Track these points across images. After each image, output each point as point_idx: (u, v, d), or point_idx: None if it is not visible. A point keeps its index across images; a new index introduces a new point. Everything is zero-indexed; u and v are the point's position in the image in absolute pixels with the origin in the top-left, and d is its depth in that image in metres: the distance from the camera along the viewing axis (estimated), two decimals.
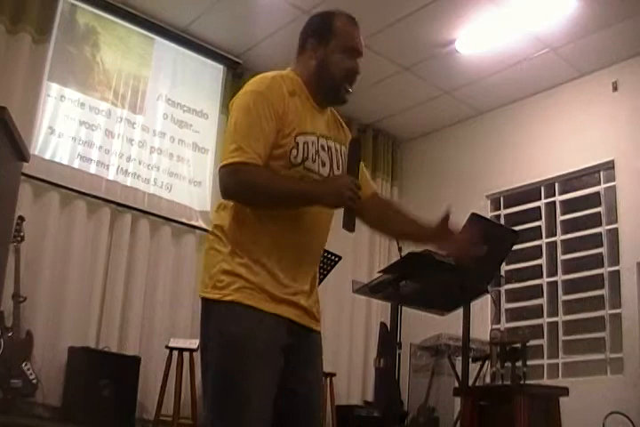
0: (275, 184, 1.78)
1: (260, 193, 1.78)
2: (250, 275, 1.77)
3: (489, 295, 4.15)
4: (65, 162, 4.93)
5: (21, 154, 2.79)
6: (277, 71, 1.94)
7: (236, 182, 1.76)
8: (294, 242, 1.85)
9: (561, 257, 5.53)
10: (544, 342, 5.39)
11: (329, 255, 4.60)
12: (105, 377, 4.39)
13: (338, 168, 1.92)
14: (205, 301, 1.81)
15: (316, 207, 1.84)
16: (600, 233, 5.32)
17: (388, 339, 5.08)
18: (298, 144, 1.84)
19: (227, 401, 1.70)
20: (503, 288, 5.73)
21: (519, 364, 3.64)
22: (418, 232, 2.05)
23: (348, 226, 1.85)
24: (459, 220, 3.52)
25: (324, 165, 1.89)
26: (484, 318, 5.45)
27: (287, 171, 1.83)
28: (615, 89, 5.44)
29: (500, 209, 6.16)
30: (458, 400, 4.56)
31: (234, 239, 1.81)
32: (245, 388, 1.70)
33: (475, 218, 3.55)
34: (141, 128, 5.40)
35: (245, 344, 1.72)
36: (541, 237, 5.68)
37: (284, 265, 1.81)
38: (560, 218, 5.64)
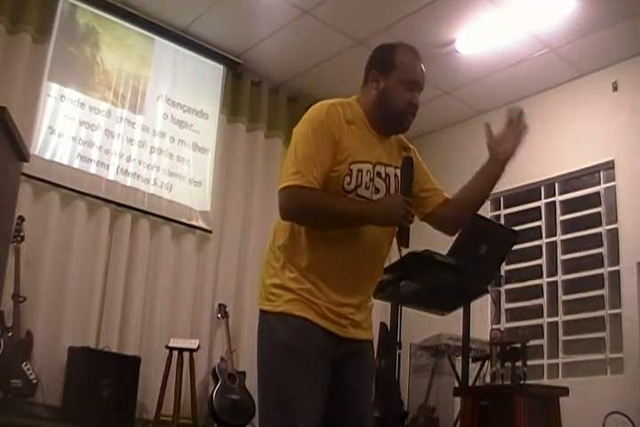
0: (330, 205, 1.88)
1: (317, 213, 1.89)
2: (300, 288, 1.88)
3: (489, 295, 4.15)
4: (65, 162, 4.93)
5: (21, 154, 2.79)
6: (340, 99, 2.03)
7: (294, 204, 1.87)
8: (344, 265, 1.92)
9: (561, 257, 5.53)
10: (544, 342, 5.39)
11: None
12: (105, 377, 4.39)
13: (396, 192, 2.00)
14: (261, 312, 1.94)
15: (372, 230, 1.93)
16: (600, 233, 5.32)
17: (388, 339, 5.07)
18: (352, 171, 1.92)
19: (274, 402, 1.82)
20: (503, 288, 5.73)
21: (519, 364, 3.64)
22: (483, 175, 2.26)
23: (403, 243, 1.94)
24: None
25: (377, 191, 1.97)
26: (484, 318, 5.45)
27: (340, 197, 1.92)
28: (615, 89, 5.44)
29: (500, 209, 6.15)
30: (458, 400, 4.56)
31: (286, 256, 1.92)
32: (291, 389, 1.81)
33: (475, 218, 3.55)
34: (141, 128, 5.40)
35: (293, 350, 1.84)
36: (541, 237, 5.68)
37: (334, 285, 1.91)
38: (560, 218, 5.64)
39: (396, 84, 2.01)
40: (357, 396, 1.98)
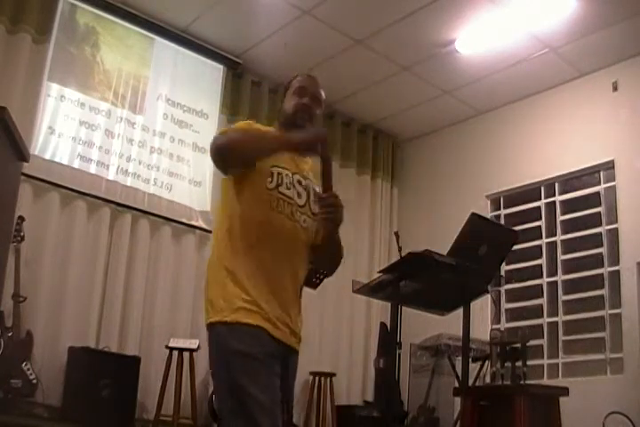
0: (253, 131, 2.10)
1: (242, 139, 2.03)
2: (244, 299, 1.96)
3: (489, 295, 4.15)
4: (65, 162, 4.93)
5: (21, 154, 2.79)
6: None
7: (223, 139, 2.02)
8: (273, 269, 2.03)
9: (561, 257, 5.53)
10: (544, 342, 5.39)
11: None
12: (105, 377, 4.39)
13: (315, 203, 2.13)
14: (209, 325, 1.99)
15: (297, 238, 2.07)
16: (600, 233, 5.32)
17: (388, 339, 5.08)
18: (273, 173, 2.08)
19: (235, 410, 1.86)
20: (503, 288, 5.73)
21: (519, 364, 3.64)
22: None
23: (326, 188, 2.08)
24: (459, 220, 3.56)
25: (299, 196, 2.12)
26: (484, 318, 5.44)
27: (262, 195, 2.04)
28: (615, 89, 5.44)
29: (500, 209, 6.15)
30: (458, 400, 4.56)
31: (227, 270, 2.01)
32: (250, 394, 1.86)
33: (475, 218, 3.55)
34: (141, 128, 5.40)
35: (246, 356, 1.90)
36: (541, 237, 5.68)
37: (272, 294, 2.00)
38: (560, 218, 5.64)
39: (288, 98, 2.22)
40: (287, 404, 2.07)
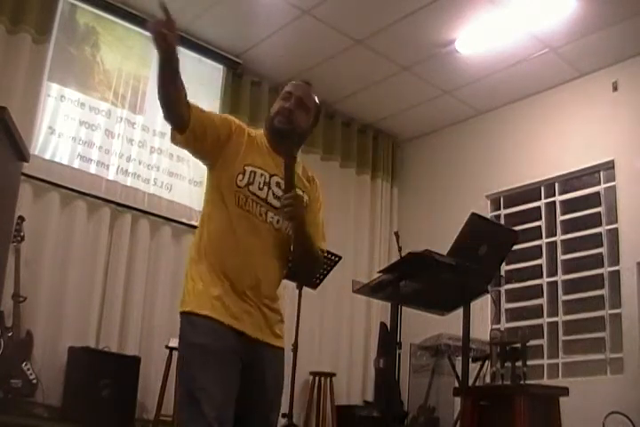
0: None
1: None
2: (206, 289, 2.02)
3: (489, 295, 4.15)
4: (65, 162, 4.93)
5: (21, 154, 2.79)
6: None
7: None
8: (235, 264, 2.06)
9: (561, 257, 5.53)
10: (544, 342, 5.39)
11: (329, 255, 4.60)
12: (105, 377, 4.38)
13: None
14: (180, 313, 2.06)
15: (256, 234, 2.08)
16: (600, 233, 5.32)
17: (388, 339, 5.08)
18: (245, 171, 2.11)
19: (187, 392, 1.91)
20: (503, 288, 5.73)
21: (519, 364, 3.64)
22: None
23: (288, 153, 2.11)
24: (459, 220, 3.56)
25: (275, 197, 2.12)
26: (484, 318, 5.44)
27: (230, 191, 2.08)
28: (615, 89, 5.44)
29: (500, 209, 6.15)
30: (458, 400, 4.56)
31: (194, 255, 2.12)
32: (203, 380, 1.90)
33: (475, 218, 3.55)
34: (141, 128, 5.40)
35: (202, 347, 1.94)
36: (541, 237, 5.68)
37: (239, 283, 2.03)
38: (560, 218, 5.64)
39: (276, 102, 2.24)
40: (265, 406, 2.09)
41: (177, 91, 1.99)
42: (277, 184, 2.13)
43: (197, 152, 2.14)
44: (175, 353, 4.64)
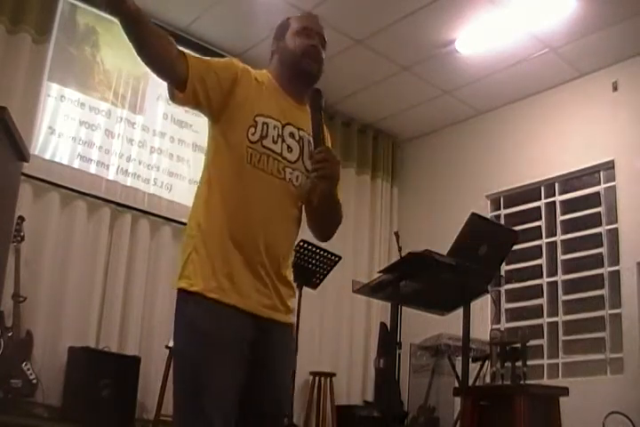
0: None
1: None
2: (216, 265, 1.78)
3: (489, 295, 4.15)
4: (65, 162, 4.93)
5: (21, 154, 2.79)
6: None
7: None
8: (249, 233, 1.82)
9: (561, 257, 5.53)
10: (544, 342, 5.39)
11: (329, 255, 4.60)
12: (105, 377, 4.38)
13: (309, 158, 1.89)
14: (177, 290, 1.83)
15: (275, 195, 1.85)
16: (600, 233, 5.32)
17: (388, 339, 5.08)
18: (257, 123, 1.86)
19: (187, 387, 1.73)
20: (503, 288, 5.73)
21: (519, 364, 3.64)
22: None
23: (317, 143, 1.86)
24: (459, 220, 3.56)
25: (290, 150, 1.90)
26: (483, 318, 5.44)
27: (239, 149, 1.83)
28: (615, 89, 5.44)
29: (500, 209, 6.15)
30: (458, 400, 4.56)
31: (200, 224, 1.84)
32: (204, 374, 1.71)
33: (475, 218, 3.55)
34: (141, 128, 5.40)
35: (208, 336, 1.74)
36: (541, 237, 5.68)
37: (251, 248, 1.81)
38: (560, 218, 5.64)
39: (291, 38, 2.01)
40: (274, 383, 1.87)
41: (158, 46, 1.81)
42: (291, 135, 1.91)
43: (200, 107, 1.86)
44: None
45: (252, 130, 1.85)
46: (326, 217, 2.00)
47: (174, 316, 1.83)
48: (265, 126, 1.86)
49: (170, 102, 1.88)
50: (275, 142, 1.87)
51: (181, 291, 1.81)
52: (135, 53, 1.82)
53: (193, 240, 1.82)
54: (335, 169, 1.83)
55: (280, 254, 1.87)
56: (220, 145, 1.87)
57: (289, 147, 1.89)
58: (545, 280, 5.57)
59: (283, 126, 1.90)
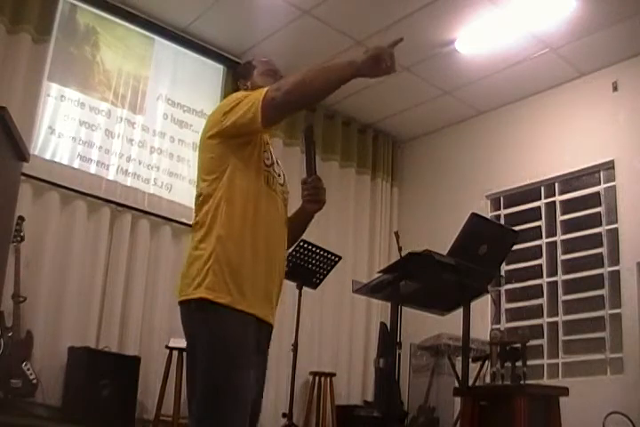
0: (314, 69, 1.93)
1: (310, 82, 1.91)
2: (241, 278, 1.92)
3: (489, 295, 4.15)
4: (65, 162, 4.93)
5: (21, 154, 2.79)
6: None
7: (284, 90, 1.91)
8: (268, 246, 2.00)
9: (561, 257, 5.53)
10: (544, 342, 5.39)
11: (329, 255, 4.60)
12: (105, 377, 4.38)
13: (302, 184, 2.16)
14: (195, 300, 1.90)
15: (281, 213, 2.08)
16: (600, 233, 5.32)
17: (388, 339, 5.08)
18: (267, 149, 2.10)
19: (220, 389, 1.81)
20: (503, 288, 5.73)
21: (519, 364, 3.64)
22: (297, 217, 2.22)
23: (311, 171, 2.14)
24: (459, 220, 3.56)
25: (279, 174, 2.14)
26: (483, 318, 5.45)
27: (261, 172, 2.03)
28: (615, 89, 5.44)
29: (500, 209, 6.15)
30: (458, 400, 4.56)
31: (221, 236, 1.95)
32: (237, 377, 1.83)
33: (475, 218, 3.55)
34: (141, 128, 5.40)
35: (239, 346, 1.86)
36: (541, 237, 5.68)
37: (265, 268, 1.98)
38: (560, 218, 5.64)
39: (263, 77, 2.24)
40: (262, 378, 2.05)
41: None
42: (277, 162, 2.16)
43: (258, 132, 2.06)
44: (175, 353, 4.65)
45: (267, 155, 2.08)
46: (297, 235, 2.26)
47: (192, 322, 1.91)
48: (271, 154, 2.10)
49: (260, 125, 1.96)
50: (275, 170, 2.11)
51: (203, 300, 1.88)
52: (313, 90, 1.95)
53: (213, 252, 1.91)
54: (324, 195, 2.13)
55: (283, 265, 2.10)
56: (238, 166, 2.01)
57: (277, 173, 2.13)
58: (545, 280, 5.57)
59: (272, 153, 2.13)
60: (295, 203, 2.19)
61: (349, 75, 1.90)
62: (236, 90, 2.27)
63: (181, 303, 1.94)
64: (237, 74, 2.37)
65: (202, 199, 2.04)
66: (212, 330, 1.86)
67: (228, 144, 2.03)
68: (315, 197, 2.11)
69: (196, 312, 1.89)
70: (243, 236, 1.94)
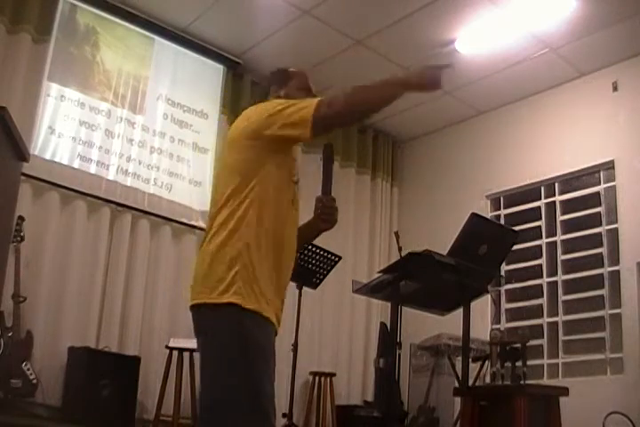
0: (366, 86, 2.04)
1: (363, 98, 2.06)
2: (267, 279, 1.95)
3: (489, 295, 4.15)
4: (65, 162, 4.93)
5: (21, 154, 2.79)
6: None
7: (336, 112, 1.96)
8: (285, 259, 2.04)
9: (561, 257, 5.53)
10: (544, 342, 5.39)
11: (329, 255, 4.60)
12: (105, 377, 4.39)
13: (318, 202, 2.23)
14: (219, 305, 1.89)
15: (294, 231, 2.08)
16: (600, 233, 5.32)
17: (388, 339, 5.08)
18: (295, 166, 2.10)
19: (247, 392, 1.81)
20: (503, 288, 5.73)
21: (519, 364, 3.64)
22: (306, 230, 2.26)
23: (327, 191, 2.21)
24: (459, 220, 3.56)
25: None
26: (483, 318, 5.45)
27: (290, 187, 2.04)
28: (615, 89, 5.44)
29: (500, 209, 6.15)
30: (458, 400, 4.56)
31: (247, 241, 1.95)
32: (264, 380, 1.85)
33: (475, 218, 3.55)
34: (141, 128, 5.40)
35: (264, 350, 1.88)
36: (541, 237, 5.68)
37: (279, 276, 2.01)
38: (560, 218, 5.64)
39: (299, 90, 2.29)
40: None
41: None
42: (297, 169, 2.17)
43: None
44: (175, 353, 4.65)
45: (294, 171, 2.09)
46: (298, 247, 2.24)
47: (214, 325, 1.89)
48: (297, 168, 2.12)
49: (308, 135, 1.95)
50: (298, 186, 2.12)
51: (232, 305, 1.88)
52: (373, 103, 2.08)
53: (239, 256, 1.92)
54: (337, 215, 2.23)
55: (290, 277, 2.11)
56: (271, 172, 1.99)
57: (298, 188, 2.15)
58: (545, 280, 5.57)
59: None
60: (302, 215, 2.20)
61: (400, 94, 2.03)
62: (267, 93, 2.40)
63: (202, 306, 1.92)
64: (271, 79, 2.46)
65: (226, 198, 1.98)
66: (244, 335, 1.86)
67: (265, 148, 1.99)
68: (329, 216, 2.19)
69: (224, 316, 1.88)
70: (267, 245, 1.96)
